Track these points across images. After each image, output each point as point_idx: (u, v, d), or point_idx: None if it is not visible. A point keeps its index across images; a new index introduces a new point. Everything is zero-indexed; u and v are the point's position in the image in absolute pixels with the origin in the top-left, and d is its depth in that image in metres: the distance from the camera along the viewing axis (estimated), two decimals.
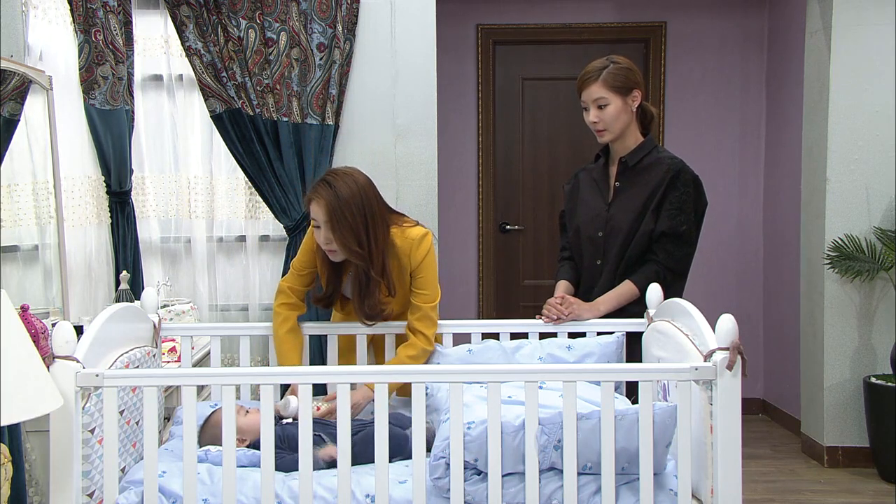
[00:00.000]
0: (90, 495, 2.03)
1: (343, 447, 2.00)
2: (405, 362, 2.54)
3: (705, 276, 4.87)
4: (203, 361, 3.21)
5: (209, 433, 2.37)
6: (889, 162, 4.07)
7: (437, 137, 3.80)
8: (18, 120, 3.06)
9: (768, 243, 5.11)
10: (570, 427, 1.99)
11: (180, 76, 3.81)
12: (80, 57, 3.47)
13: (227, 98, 3.60)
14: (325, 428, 2.31)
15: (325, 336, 2.81)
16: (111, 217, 3.63)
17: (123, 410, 2.18)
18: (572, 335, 2.73)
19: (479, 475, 2.04)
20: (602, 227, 2.79)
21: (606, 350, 2.63)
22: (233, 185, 3.88)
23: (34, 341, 2.02)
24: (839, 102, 4.08)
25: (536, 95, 5.23)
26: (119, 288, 3.34)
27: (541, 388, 2.25)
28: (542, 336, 2.74)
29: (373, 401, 2.47)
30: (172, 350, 3.08)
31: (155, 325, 2.62)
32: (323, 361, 3.02)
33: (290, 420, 2.42)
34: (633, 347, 2.68)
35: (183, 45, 3.59)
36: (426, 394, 2.24)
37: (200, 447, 2.28)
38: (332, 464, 2.15)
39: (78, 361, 1.98)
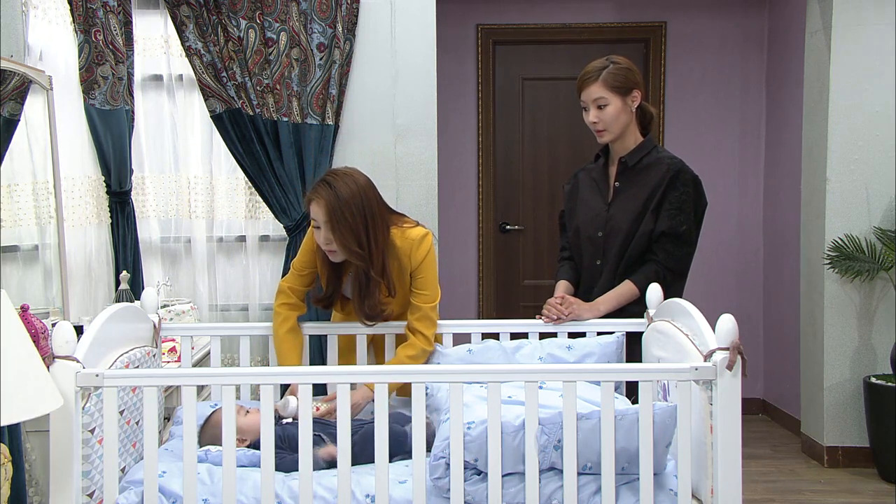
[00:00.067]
0: (90, 495, 2.03)
1: (343, 447, 2.00)
2: (404, 362, 2.54)
3: (705, 276, 4.87)
4: (203, 361, 3.21)
5: (209, 433, 2.37)
6: (889, 162, 4.07)
7: (437, 137, 3.80)
8: (18, 120, 3.06)
9: (768, 243, 5.11)
10: (570, 427, 1.99)
11: (180, 76, 3.81)
12: (80, 57, 3.47)
13: (227, 98, 3.60)
14: (324, 428, 2.31)
15: (325, 336, 2.82)
16: (111, 217, 3.63)
17: (123, 410, 2.18)
18: (572, 335, 2.73)
19: (479, 475, 2.04)
20: (602, 227, 2.79)
21: (606, 350, 2.63)
22: (233, 185, 3.88)
23: (34, 341, 2.02)
24: (839, 102, 4.08)
25: (536, 95, 5.23)
26: (119, 288, 3.34)
27: (541, 388, 2.25)
28: (542, 336, 2.74)
29: (373, 401, 2.47)
30: (172, 350, 3.08)
31: (155, 325, 2.62)
32: (323, 361, 3.02)
33: (289, 420, 2.42)
34: (633, 347, 2.68)
35: (183, 45, 3.59)
36: (426, 394, 2.24)
37: (200, 447, 2.28)
38: (332, 463, 2.15)
39: (78, 361, 1.98)
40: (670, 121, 5.16)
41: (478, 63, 5.16)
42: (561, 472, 2.02)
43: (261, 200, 3.74)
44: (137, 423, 2.28)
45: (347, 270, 2.64)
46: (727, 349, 2.02)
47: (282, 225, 3.70)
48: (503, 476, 2.02)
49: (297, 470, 2.06)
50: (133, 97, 3.65)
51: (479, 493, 2.03)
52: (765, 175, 5.14)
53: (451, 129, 5.11)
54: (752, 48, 5.13)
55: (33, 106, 3.14)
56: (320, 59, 3.63)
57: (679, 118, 5.16)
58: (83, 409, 2.01)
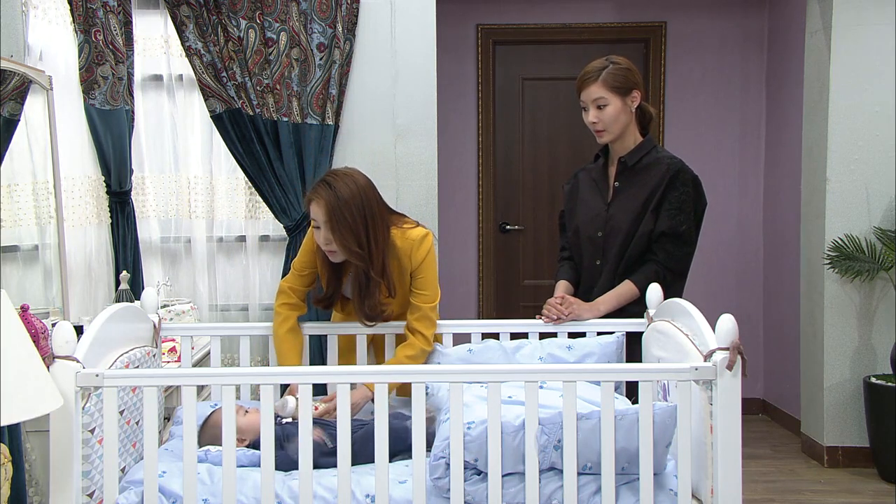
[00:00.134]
0: (90, 495, 2.03)
1: (343, 447, 2.00)
2: (403, 362, 2.54)
3: (705, 276, 4.87)
4: (203, 361, 3.21)
5: (209, 433, 2.37)
6: (889, 162, 4.07)
7: (437, 137, 3.80)
8: (18, 120, 3.06)
9: (768, 243, 5.11)
10: (570, 427, 1.99)
11: (180, 76, 3.81)
12: (80, 57, 3.47)
13: (227, 98, 3.60)
14: (324, 428, 2.31)
15: (325, 336, 2.82)
16: (111, 217, 3.63)
17: (123, 410, 2.18)
18: (572, 335, 2.73)
19: (479, 475, 2.04)
20: (601, 227, 2.79)
21: (606, 350, 2.63)
22: (233, 185, 3.88)
23: (34, 341, 2.02)
24: (839, 102, 4.08)
25: (536, 95, 5.23)
26: (119, 288, 3.34)
27: (541, 388, 2.25)
28: (542, 336, 2.74)
29: (371, 400, 2.48)
30: (172, 350, 3.08)
31: (155, 325, 2.62)
32: (323, 361, 3.02)
33: (289, 420, 2.42)
34: (633, 347, 2.68)
35: (183, 45, 3.59)
36: (426, 393, 2.24)
37: (200, 447, 2.28)
38: (330, 462, 2.14)
39: (78, 361, 1.98)
40: (670, 121, 5.16)
41: (478, 63, 5.16)
42: (561, 472, 2.02)
43: (261, 200, 3.74)
44: (137, 423, 2.28)
45: (347, 271, 2.64)
46: (727, 349, 2.02)
47: (282, 225, 3.70)
48: (503, 476, 2.02)
49: (286, 468, 2.06)
50: (133, 97, 3.65)
51: (479, 493, 2.03)
52: (765, 175, 5.14)
53: (451, 129, 5.11)
54: (752, 48, 5.13)
55: (33, 106, 3.14)
56: (320, 59, 3.63)
57: (679, 118, 5.16)
58: (83, 409, 2.01)
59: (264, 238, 3.90)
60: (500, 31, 5.16)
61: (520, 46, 5.21)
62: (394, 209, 2.66)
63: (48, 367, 1.89)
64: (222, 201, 3.88)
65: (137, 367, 2.32)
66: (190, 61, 3.59)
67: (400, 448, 2.21)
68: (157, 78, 3.84)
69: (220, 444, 2.06)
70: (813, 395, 4.25)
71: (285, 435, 2.28)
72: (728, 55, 5.14)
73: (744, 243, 5.19)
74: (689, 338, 2.22)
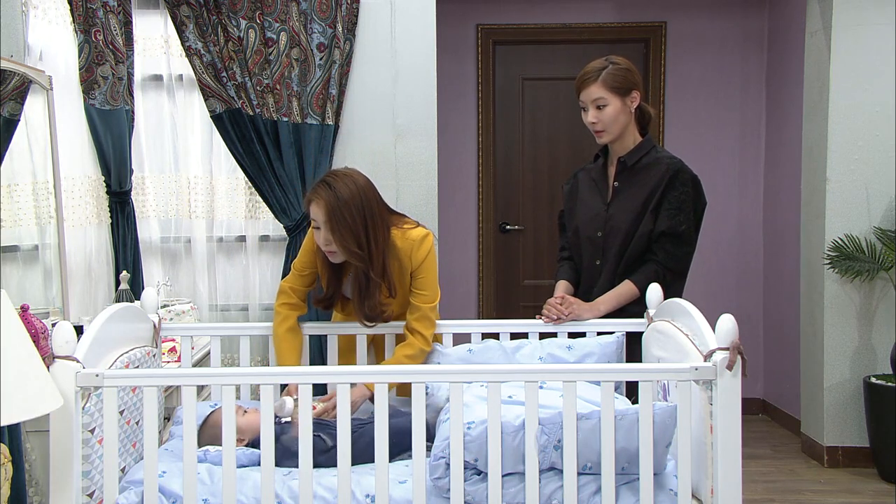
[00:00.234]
0: (90, 495, 2.03)
1: (343, 447, 2.00)
2: (402, 362, 2.54)
3: (705, 276, 4.88)
4: (203, 361, 3.21)
5: (208, 433, 2.37)
6: (889, 162, 4.07)
7: (437, 137, 3.80)
8: (18, 120, 3.06)
9: (768, 243, 5.11)
10: (570, 427, 1.99)
11: (180, 76, 3.81)
12: (80, 57, 3.47)
13: (227, 98, 3.60)
14: (324, 428, 2.31)
15: (325, 336, 2.82)
16: (111, 217, 3.63)
17: (123, 410, 2.18)
18: (572, 335, 2.73)
19: (479, 475, 2.04)
20: (601, 227, 2.79)
21: (606, 350, 2.63)
22: (233, 185, 3.88)
23: (34, 341, 2.02)
24: (839, 102, 4.08)
25: (536, 95, 5.23)
26: (119, 288, 3.34)
27: (541, 388, 2.25)
28: (542, 336, 2.74)
29: (369, 399, 2.47)
30: (172, 350, 3.08)
31: (155, 325, 2.62)
32: (323, 361, 3.02)
33: (287, 420, 2.42)
34: (633, 347, 2.68)
35: (183, 45, 3.59)
36: (426, 393, 2.24)
37: (199, 447, 2.28)
38: (329, 461, 2.14)
39: (78, 361, 1.98)
40: (670, 121, 5.16)
41: (478, 63, 5.16)
42: (561, 472, 2.02)
43: (261, 200, 3.74)
44: (137, 423, 2.28)
45: (348, 271, 2.64)
46: (727, 349, 2.02)
47: (282, 225, 3.70)
48: (503, 476, 2.02)
49: (288, 464, 2.05)
50: (133, 97, 3.65)
51: (479, 493, 2.03)
52: (765, 175, 5.14)
53: (451, 129, 5.10)
54: (752, 48, 5.13)
55: (33, 106, 3.14)
56: (320, 59, 3.63)
57: (679, 118, 5.16)
58: (83, 409, 2.01)
59: (264, 238, 3.90)
60: (500, 31, 5.16)
61: (520, 46, 5.21)
62: (394, 209, 2.66)
63: (48, 367, 1.90)
64: (222, 201, 3.88)
65: (137, 367, 2.32)
66: (190, 61, 3.59)
67: (400, 443, 2.20)
68: (157, 78, 3.84)
69: (220, 444, 2.06)
70: (813, 395, 4.25)
71: (280, 429, 2.28)
72: (728, 55, 5.14)
73: (744, 243, 5.19)
74: (689, 338, 2.22)
